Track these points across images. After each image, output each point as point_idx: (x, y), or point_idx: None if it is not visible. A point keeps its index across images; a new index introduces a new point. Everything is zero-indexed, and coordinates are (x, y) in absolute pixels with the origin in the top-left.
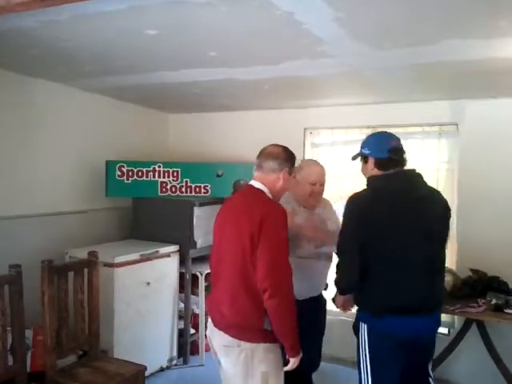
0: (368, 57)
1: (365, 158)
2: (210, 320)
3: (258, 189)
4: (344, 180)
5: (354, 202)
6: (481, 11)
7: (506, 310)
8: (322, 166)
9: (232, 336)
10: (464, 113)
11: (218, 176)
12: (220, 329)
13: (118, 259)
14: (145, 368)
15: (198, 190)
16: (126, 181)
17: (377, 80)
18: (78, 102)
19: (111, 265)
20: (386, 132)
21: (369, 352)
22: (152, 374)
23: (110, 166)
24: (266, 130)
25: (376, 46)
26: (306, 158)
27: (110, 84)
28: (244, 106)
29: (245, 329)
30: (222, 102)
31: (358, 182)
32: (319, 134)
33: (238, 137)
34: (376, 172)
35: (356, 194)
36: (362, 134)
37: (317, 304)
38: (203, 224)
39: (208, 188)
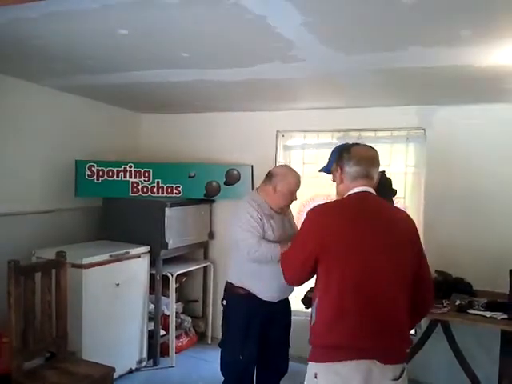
0: (336, 61)
1: None
2: (360, 364)
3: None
4: (315, 182)
5: None
6: (444, 20)
7: (469, 311)
8: (298, 173)
9: (401, 362)
10: (431, 118)
11: (190, 177)
12: (392, 362)
13: (87, 260)
14: (113, 369)
15: (169, 190)
16: (96, 181)
17: (346, 84)
18: (47, 100)
19: (80, 266)
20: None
21: None
22: (121, 376)
23: (79, 165)
24: (238, 131)
25: (343, 51)
26: (279, 161)
27: (82, 83)
28: (217, 107)
29: (409, 345)
30: (195, 103)
31: (328, 184)
32: (291, 136)
33: (210, 138)
34: None
35: None
36: (333, 138)
37: (288, 305)
38: (175, 225)
39: (180, 189)
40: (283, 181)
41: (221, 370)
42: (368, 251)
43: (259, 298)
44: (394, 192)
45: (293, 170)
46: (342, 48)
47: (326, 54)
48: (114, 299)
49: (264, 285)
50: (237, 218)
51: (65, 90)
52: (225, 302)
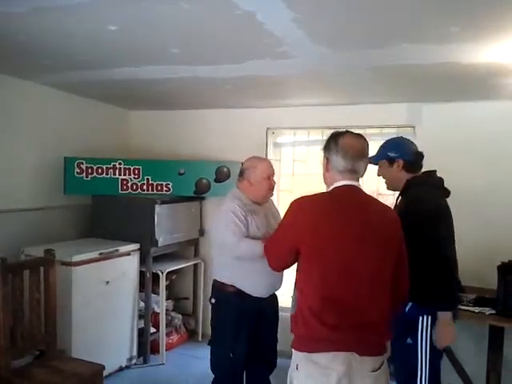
0: (326, 58)
1: (390, 162)
2: (342, 356)
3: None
4: (305, 179)
5: (442, 208)
6: (434, 17)
7: (458, 307)
8: (266, 159)
9: (380, 354)
10: (421, 115)
11: (179, 174)
12: (370, 354)
13: (76, 257)
14: (103, 367)
15: (159, 187)
16: (85, 178)
17: (337, 81)
18: (36, 97)
19: (69, 263)
20: (404, 137)
21: (430, 341)
22: (111, 374)
23: (68, 162)
24: (228, 129)
25: (333, 48)
26: (270, 159)
27: (70, 79)
28: (207, 104)
29: (388, 338)
30: (185, 100)
31: (318, 181)
32: (281, 134)
33: (200, 135)
34: (404, 174)
35: (430, 200)
36: (323, 135)
37: (275, 299)
38: (165, 222)
39: (170, 186)
40: (254, 172)
41: (211, 367)
42: (350, 247)
43: (249, 295)
44: (448, 192)
45: (260, 158)
46: (331, 45)
47: (316, 50)
48: (104, 297)
49: (253, 282)
50: (221, 216)
51: (54, 86)
52: (214, 301)
